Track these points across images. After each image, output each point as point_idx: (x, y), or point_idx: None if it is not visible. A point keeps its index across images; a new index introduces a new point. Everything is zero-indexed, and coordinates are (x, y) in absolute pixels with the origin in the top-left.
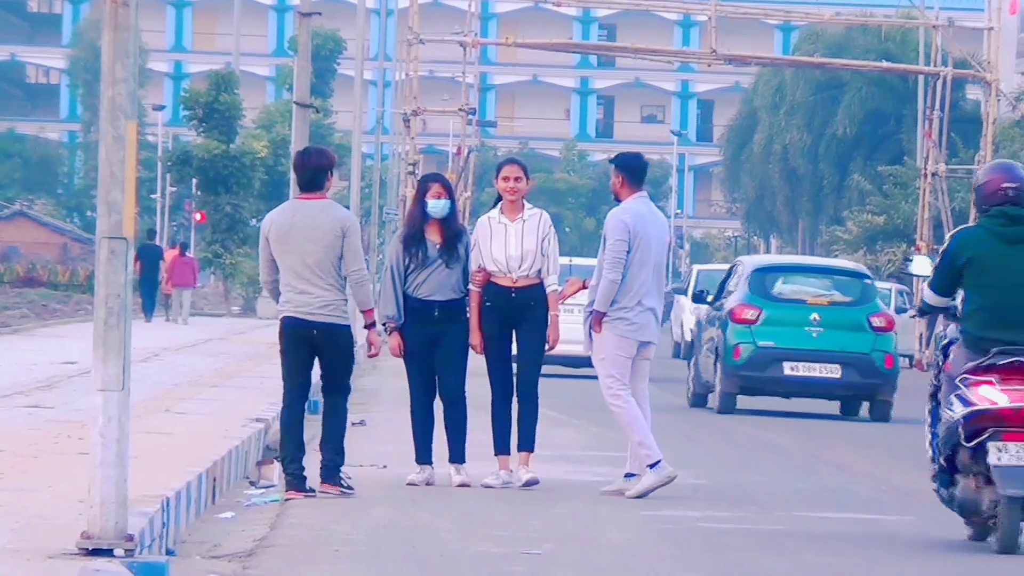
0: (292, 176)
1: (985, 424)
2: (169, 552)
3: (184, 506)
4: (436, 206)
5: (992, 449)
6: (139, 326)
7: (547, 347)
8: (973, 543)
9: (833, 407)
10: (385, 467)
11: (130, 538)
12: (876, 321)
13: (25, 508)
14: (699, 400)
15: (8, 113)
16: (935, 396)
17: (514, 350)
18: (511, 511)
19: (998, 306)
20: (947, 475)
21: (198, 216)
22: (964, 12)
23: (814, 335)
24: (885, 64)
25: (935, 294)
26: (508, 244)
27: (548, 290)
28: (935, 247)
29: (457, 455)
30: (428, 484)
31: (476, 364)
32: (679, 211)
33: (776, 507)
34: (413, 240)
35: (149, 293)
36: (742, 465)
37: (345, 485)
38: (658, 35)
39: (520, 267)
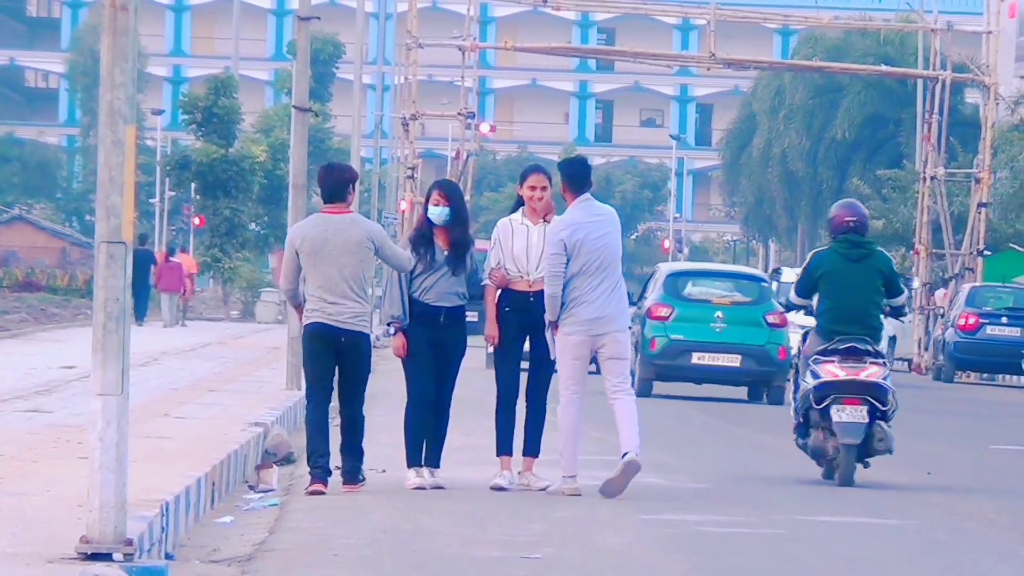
0: (290, 180)
1: (829, 392)
2: (168, 556)
3: (183, 510)
4: (433, 213)
5: (834, 410)
6: (136, 330)
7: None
8: (824, 480)
9: (740, 392)
10: (384, 471)
11: (129, 542)
12: (771, 318)
13: (24, 512)
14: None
15: (7, 117)
16: (796, 372)
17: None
18: (511, 515)
19: (841, 307)
20: (804, 429)
21: (197, 220)
22: (963, 16)
23: (718, 330)
24: (884, 68)
25: (798, 296)
26: (530, 245)
27: None
28: (933, 251)
29: (435, 458)
30: (419, 488)
31: (475, 369)
32: (678, 215)
33: (776, 511)
34: (421, 240)
35: (140, 297)
36: (741, 468)
37: (363, 478)
38: (657, 39)
39: (538, 268)
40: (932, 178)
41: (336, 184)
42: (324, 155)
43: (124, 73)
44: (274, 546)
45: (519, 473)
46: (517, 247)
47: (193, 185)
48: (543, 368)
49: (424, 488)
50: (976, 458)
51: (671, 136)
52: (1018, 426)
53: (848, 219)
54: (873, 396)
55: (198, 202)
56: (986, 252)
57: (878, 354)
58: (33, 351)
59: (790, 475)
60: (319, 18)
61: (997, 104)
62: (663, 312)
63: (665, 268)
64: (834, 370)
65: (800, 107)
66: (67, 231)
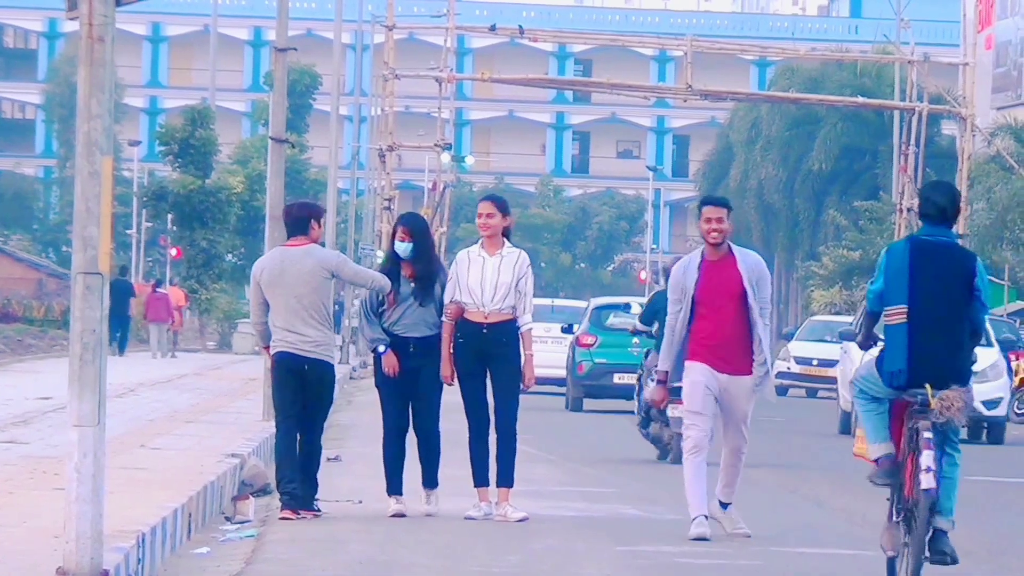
0: (267, 212)
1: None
2: None
3: (160, 541)
4: (398, 248)
5: (670, 408)
6: (114, 361)
7: (522, 386)
8: (659, 460)
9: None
10: (360, 502)
11: (106, 573)
12: None
13: (0, 543)
14: (567, 404)
15: None
16: (640, 379)
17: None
18: (488, 546)
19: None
20: (646, 422)
21: (174, 251)
22: (940, 48)
23: (635, 354)
24: (860, 99)
25: (642, 324)
26: (484, 277)
27: (523, 329)
28: None
29: (430, 480)
30: (398, 516)
31: (452, 400)
32: (655, 246)
33: (753, 543)
34: (388, 273)
35: (119, 328)
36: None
37: (317, 508)
38: (634, 70)
39: (493, 299)
40: (909, 209)
41: (295, 221)
42: (301, 186)
43: (101, 104)
44: None
45: (495, 504)
46: (472, 279)
47: (170, 216)
48: (507, 398)
49: (403, 515)
50: None
51: (648, 167)
52: (992, 456)
53: None
54: None
55: (175, 233)
56: None
57: None
58: (9, 382)
59: (767, 506)
60: (296, 49)
61: (973, 136)
62: (589, 340)
63: (594, 302)
64: None
65: (777, 138)
66: (44, 262)
